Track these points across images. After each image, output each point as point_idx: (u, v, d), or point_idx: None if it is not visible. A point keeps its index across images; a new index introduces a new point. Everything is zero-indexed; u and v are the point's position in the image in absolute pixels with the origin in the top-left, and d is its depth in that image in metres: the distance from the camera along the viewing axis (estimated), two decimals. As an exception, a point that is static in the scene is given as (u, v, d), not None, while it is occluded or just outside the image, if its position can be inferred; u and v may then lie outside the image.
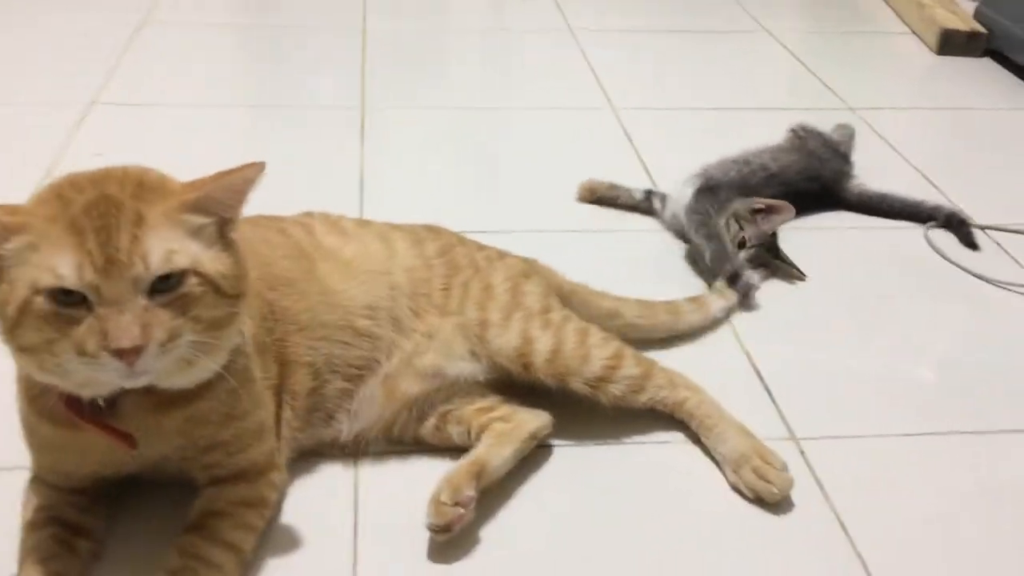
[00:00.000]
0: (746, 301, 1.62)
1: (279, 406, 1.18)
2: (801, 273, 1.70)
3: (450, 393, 1.28)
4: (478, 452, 1.20)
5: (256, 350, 1.12)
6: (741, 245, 1.68)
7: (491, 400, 1.29)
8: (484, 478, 1.17)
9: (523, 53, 2.80)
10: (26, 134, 2.04)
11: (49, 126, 2.06)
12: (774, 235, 1.71)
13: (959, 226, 1.89)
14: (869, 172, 2.07)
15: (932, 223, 1.90)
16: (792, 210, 1.68)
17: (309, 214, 1.37)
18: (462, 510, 1.12)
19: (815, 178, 1.94)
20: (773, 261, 1.71)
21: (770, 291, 1.68)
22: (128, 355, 0.89)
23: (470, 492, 1.14)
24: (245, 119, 2.26)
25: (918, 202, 1.95)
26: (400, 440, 1.28)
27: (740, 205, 1.71)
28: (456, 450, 1.25)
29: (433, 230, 1.42)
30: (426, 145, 2.16)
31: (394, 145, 2.13)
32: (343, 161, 2.04)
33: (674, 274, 1.74)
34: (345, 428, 1.25)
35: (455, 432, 1.26)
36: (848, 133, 2.14)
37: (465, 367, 1.29)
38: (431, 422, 1.28)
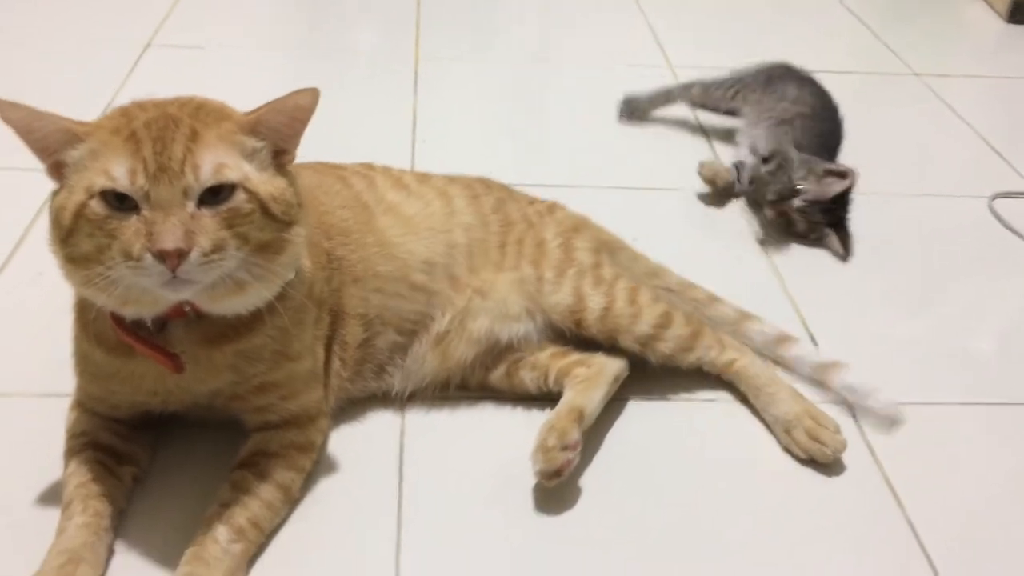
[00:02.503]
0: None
1: (328, 357, 1.18)
2: (846, 253, 1.65)
3: (512, 347, 1.28)
4: (573, 397, 1.20)
5: (314, 300, 1.13)
6: (794, 194, 1.65)
7: (561, 347, 1.29)
8: (584, 421, 1.17)
9: (581, 7, 2.75)
10: (82, 77, 2.05)
11: (104, 69, 2.08)
12: (841, 204, 1.66)
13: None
14: (933, 138, 2.02)
15: (994, 195, 1.84)
16: (854, 177, 1.64)
17: (370, 166, 1.36)
18: (571, 454, 1.12)
19: (830, 107, 1.90)
20: (823, 226, 1.66)
21: (827, 258, 1.65)
22: (171, 258, 0.90)
23: (576, 436, 1.14)
24: (298, 66, 2.25)
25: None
26: (465, 387, 1.28)
27: (816, 162, 1.68)
28: (522, 398, 1.26)
29: (485, 183, 1.41)
30: (479, 97, 2.14)
31: (447, 96, 2.12)
32: (396, 111, 2.03)
33: (717, 234, 1.71)
34: (397, 382, 1.26)
35: (528, 377, 1.26)
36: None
37: (518, 328, 1.28)
38: (501, 369, 1.28)
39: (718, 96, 2.00)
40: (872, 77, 2.34)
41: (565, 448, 1.12)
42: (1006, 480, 1.23)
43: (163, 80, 2.07)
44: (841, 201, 1.66)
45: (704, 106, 2.07)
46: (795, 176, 1.66)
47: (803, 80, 1.93)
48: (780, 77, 1.93)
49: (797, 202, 1.65)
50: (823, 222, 1.66)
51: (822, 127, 1.84)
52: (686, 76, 2.24)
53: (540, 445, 1.13)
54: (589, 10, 2.70)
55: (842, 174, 1.65)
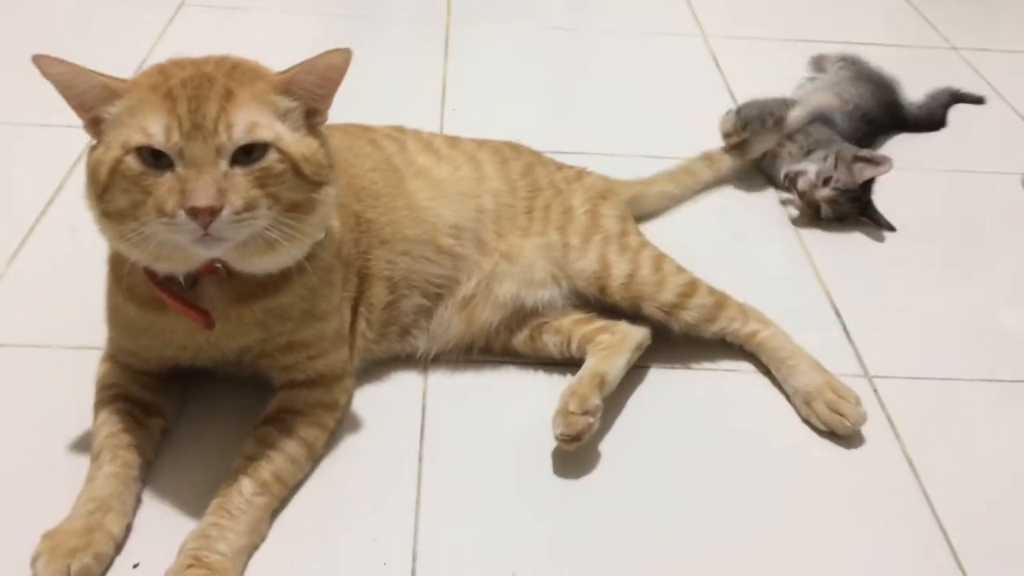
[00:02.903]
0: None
1: (354, 318, 1.20)
2: (890, 225, 1.63)
3: (537, 312, 1.29)
4: (595, 363, 1.21)
5: (342, 261, 1.14)
6: (826, 183, 1.62)
7: (585, 313, 1.30)
8: (605, 387, 1.18)
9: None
10: (117, 35, 2.07)
11: (139, 27, 2.09)
12: (867, 189, 1.64)
13: (963, 97, 2.02)
14: (968, 115, 1.99)
15: None
16: (890, 164, 1.61)
17: (401, 129, 1.37)
18: (591, 419, 1.14)
19: (888, 104, 1.89)
20: (854, 214, 1.64)
21: (855, 233, 1.64)
22: (203, 215, 0.91)
23: (596, 401, 1.15)
24: (330, 27, 2.25)
25: (939, 92, 2.01)
26: (488, 351, 1.29)
27: (846, 148, 1.66)
28: (545, 362, 1.27)
29: (515, 148, 1.41)
30: (510, 62, 2.14)
31: (477, 60, 2.11)
32: (426, 73, 2.03)
33: (746, 205, 1.70)
34: (421, 345, 1.27)
35: (551, 342, 1.28)
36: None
37: (543, 294, 1.29)
38: (524, 333, 1.29)
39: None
40: (910, 50, 2.31)
41: (585, 413, 1.13)
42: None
43: (197, 39, 2.08)
44: (867, 187, 1.64)
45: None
46: (816, 158, 1.64)
47: (887, 99, 1.92)
48: (875, 82, 1.92)
49: (826, 192, 1.62)
50: (853, 212, 1.64)
51: (868, 130, 1.82)
52: (720, 47, 2.23)
53: (561, 409, 1.14)
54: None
55: (874, 160, 1.62)
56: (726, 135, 1.71)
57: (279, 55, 1.07)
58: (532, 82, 2.08)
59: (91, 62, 0.98)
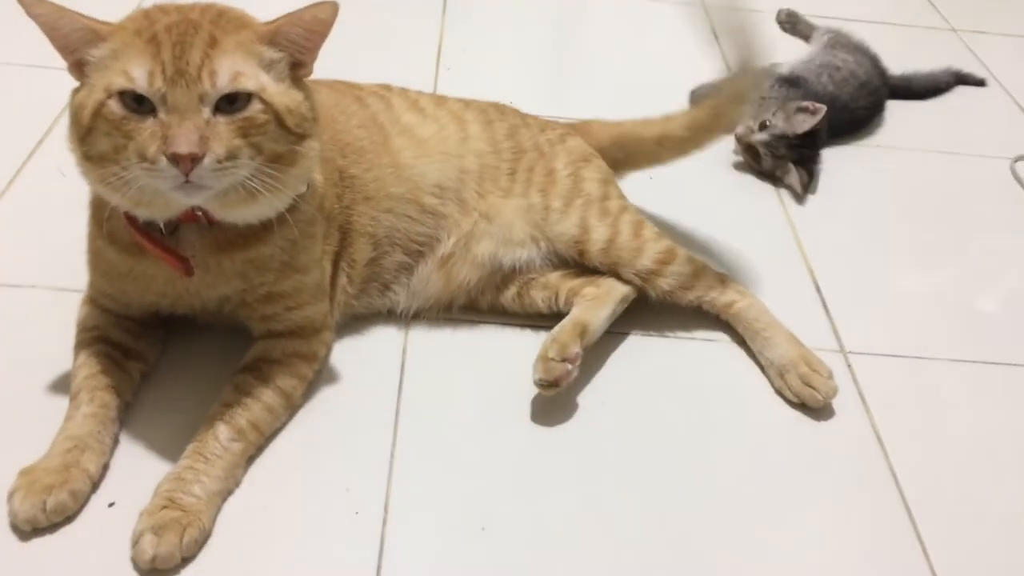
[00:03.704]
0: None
1: (335, 272, 1.21)
2: (803, 192, 1.65)
3: (516, 271, 1.30)
4: (578, 313, 1.23)
5: (324, 215, 1.15)
6: (762, 127, 1.66)
7: (570, 269, 1.31)
8: (587, 337, 1.20)
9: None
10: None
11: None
12: (810, 143, 1.66)
13: (966, 78, 2.03)
14: (964, 96, 1.99)
15: (1017, 157, 1.82)
16: (821, 111, 1.64)
17: (387, 87, 1.37)
18: (569, 366, 1.16)
19: (881, 72, 1.90)
20: (787, 162, 1.65)
21: (842, 209, 1.65)
22: (184, 161, 0.91)
23: (576, 349, 1.17)
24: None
25: (931, 72, 2.01)
26: (474, 308, 1.31)
27: (792, 101, 1.69)
28: (533, 317, 1.29)
29: (500, 109, 1.42)
30: (509, 23, 2.13)
31: (476, 20, 2.10)
32: (422, 31, 2.02)
33: (736, 179, 1.71)
34: (402, 301, 1.28)
35: (540, 297, 1.29)
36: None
37: (521, 254, 1.30)
38: (512, 290, 1.30)
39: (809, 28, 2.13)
40: (909, 30, 2.30)
41: (564, 360, 1.16)
42: (990, 438, 1.24)
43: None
44: (810, 140, 1.66)
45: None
46: (765, 113, 1.67)
47: (877, 68, 1.92)
48: (862, 52, 1.92)
49: (762, 135, 1.65)
50: (788, 157, 1.65)
51: (860, 97, 1.83)
52: (723, 15, 2.21)
53: (541, 355, 1.17)
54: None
55: (810, 110, 1.65)
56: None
57: (268, 5, 1.07)
58: (530, 45, 2.07)
59: (80, 4, 0.98)
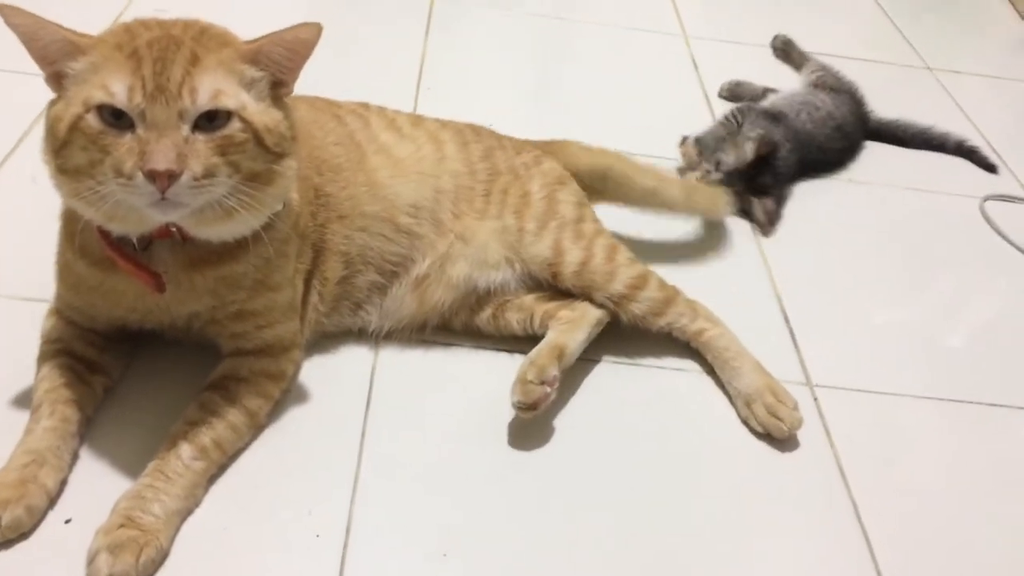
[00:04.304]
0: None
1: (307, 290, 1.20)
2: (768, 225, 1.65)
3: (491, 293, 1.30)
4: (555, 336, 1.24)
5: (298, 233, 1.14)
6: (717, 166, 1.67)
7: (545, 292, 1.31)
8: (564, 360, 1.21)
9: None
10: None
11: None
12: (764, 171, 1.67)
13: (970, 153, 1.96)
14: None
15: (987, 197, 1.85)
16: (761, 140, 1.66)
17: (366, 106, 1.37)
18: (548, 388, 1.16)
19: (860, 116, 1.92)
20: (749, 195, 1.66)
21: (814, 242, 1.66)
22: (161, 178, 0.91)
23: (554, 372, 1.17)
24: (312, -1, 2.24)
25: (927, 128, 1.98)
26: (448, 329, 1.31)
27: (740, 133, 1.70)
28: (507, 339, 1.30)
29: (476, 130, 1.42)
30: (490, 46, 2.14)
31: (459, 41, 2.11)
32: (405, 51, 2.03)
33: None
34: (374, 320, 1.28)
35: (515, 319, 1.30)
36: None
37: (496, 276, 1.30)
38: (487, 312, 1.31)
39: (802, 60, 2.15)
40: (886, 67, 2.33)
41: (543, 383, 1.16)
42: (953, 475, 1.26)
43: (170, 1, 2.07)
44: (765, 168, 1.67)
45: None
46: (718, 152, 1.68)
47: (859, 111, 1.94)
48: (846, 94, 1.94)
49: (718, 175, 1.66)
50: (748, 190, 1.66)
51: (835, 139, 1.85)
52: (700, 49, 2.24)
53: (520, 378, 1.17)
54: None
55: (755, 139, 1.67)
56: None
57: (252, 23, 1.07)
58: (511, 67, 2.08)
59: (61, 17, 0.97)
